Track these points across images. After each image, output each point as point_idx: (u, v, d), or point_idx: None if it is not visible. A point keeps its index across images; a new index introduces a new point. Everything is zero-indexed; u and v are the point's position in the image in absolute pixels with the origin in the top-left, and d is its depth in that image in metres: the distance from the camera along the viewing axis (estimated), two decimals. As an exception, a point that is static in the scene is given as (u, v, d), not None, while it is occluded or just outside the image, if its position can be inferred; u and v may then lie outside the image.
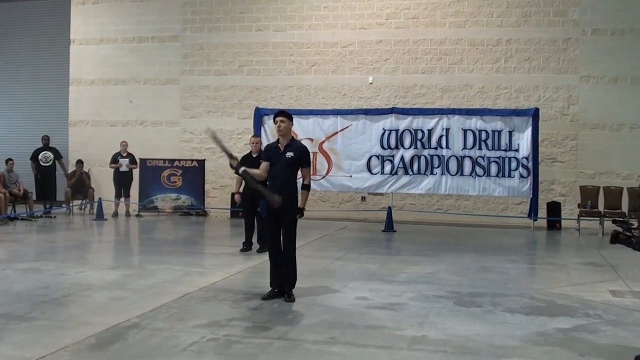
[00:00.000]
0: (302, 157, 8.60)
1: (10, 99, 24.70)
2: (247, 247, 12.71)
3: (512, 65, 19.07)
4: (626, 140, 18.37)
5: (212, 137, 9.80)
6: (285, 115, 8.65)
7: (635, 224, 6.13)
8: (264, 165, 8.68)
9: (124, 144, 20.04)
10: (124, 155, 19.89)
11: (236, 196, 13.17)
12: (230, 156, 8.40)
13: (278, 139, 8.69)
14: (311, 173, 8.93)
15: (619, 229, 6.15)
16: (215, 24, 21.10)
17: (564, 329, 7.14)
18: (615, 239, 6.01)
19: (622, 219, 6.17)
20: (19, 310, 7.66)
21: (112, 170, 19.97)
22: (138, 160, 20.02)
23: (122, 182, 19.82)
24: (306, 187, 8.64)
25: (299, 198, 8.63)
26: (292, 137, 8.83)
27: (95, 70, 21.97)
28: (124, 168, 19.75)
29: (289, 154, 8.47)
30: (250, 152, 12.98)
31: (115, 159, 19.88)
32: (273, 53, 20.63)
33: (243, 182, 12.62)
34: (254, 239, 12.71)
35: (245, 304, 8.24)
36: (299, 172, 8.68)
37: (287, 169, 8.49)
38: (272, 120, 9.41)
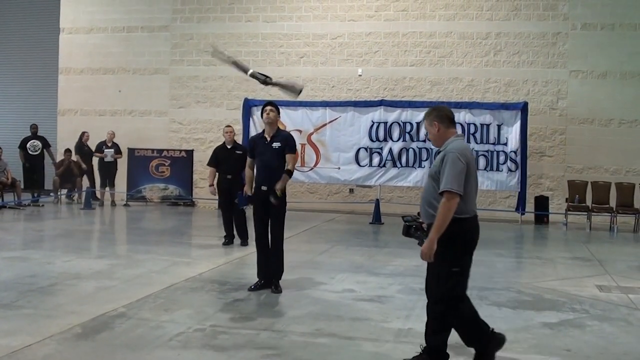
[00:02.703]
0: (287, 144, 8.64)
1: (-2, 87, 24.62)
2: (229, 240, 12.45)
3: (501, 59, 19.09)
4: (614, 135, 18.43)
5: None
6: (274, 105, 8.77)
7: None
8: (250, 162, 8.82)
9: (110, 133, 19.92)
10: (109, 145, 19.78)
11: (210, 188, 12.83)
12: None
13: (263, 130, 8.81)
14: (295, 161, 8.88)
15: (410, 223, 6.25)
16: (205, 14, 21.02)
17: (550, 324, 7.18)
18: (407, 232, 6.09)
19: (414, 215, 6.25)
20: (5, 299, 7.64)
21: (97, 159, 19.89)
22: (126, 150, 19.91)
23: (106, 172, 19.71)
24: (288, 173, 8.53)
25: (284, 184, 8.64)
26: (278, 127, 8.87)
27: (84, 59, 21.85)
28: (108, 158, 19.60)
29: (276, 144, 8.53)
30: (224, 143, 12.64)
31: (100, 148, 19.79)
32: (262, 44, 20.57)
33: (217, 174, 12.63)
34: (236, 233, 12.47)
35: (231, 294, 8.24)
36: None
37: (275, 159, 8.52)
38: (260, 112, 9.39)
